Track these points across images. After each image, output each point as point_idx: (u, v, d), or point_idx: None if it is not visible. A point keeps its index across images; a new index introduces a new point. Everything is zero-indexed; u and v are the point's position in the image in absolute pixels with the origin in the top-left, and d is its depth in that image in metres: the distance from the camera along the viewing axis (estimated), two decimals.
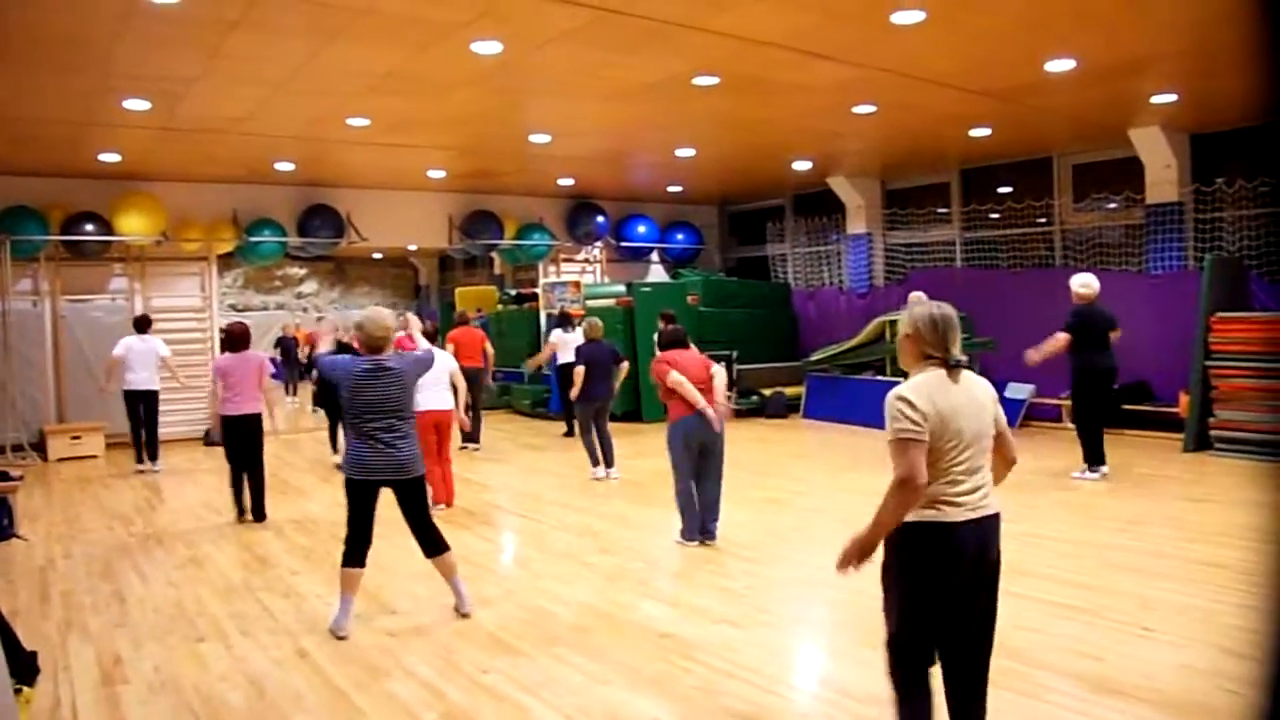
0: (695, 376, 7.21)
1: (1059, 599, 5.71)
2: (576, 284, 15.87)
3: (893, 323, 14.28)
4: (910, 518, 3.24)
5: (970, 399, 3.32)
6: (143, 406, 11.33)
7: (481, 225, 16.27)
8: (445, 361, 8.54)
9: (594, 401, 10.10)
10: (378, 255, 25.95)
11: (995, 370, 13.16)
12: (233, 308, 24.68)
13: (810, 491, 9.14)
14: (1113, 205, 13.26)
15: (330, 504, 9.18)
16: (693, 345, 10.94)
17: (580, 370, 9.99)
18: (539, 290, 16.60)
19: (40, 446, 12.69)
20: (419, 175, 14.46)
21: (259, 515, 8.59)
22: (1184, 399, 10.96)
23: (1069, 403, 12.33)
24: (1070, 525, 7.55)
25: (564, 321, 13.26)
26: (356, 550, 5.49)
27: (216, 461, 11.44)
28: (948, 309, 3.38)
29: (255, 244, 14.33)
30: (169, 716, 4.40)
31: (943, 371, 3.30)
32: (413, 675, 4.81)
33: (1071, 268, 13.40)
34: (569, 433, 13.28)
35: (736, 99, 9.88)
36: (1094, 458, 9.31)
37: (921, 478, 3.15)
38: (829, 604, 5.87)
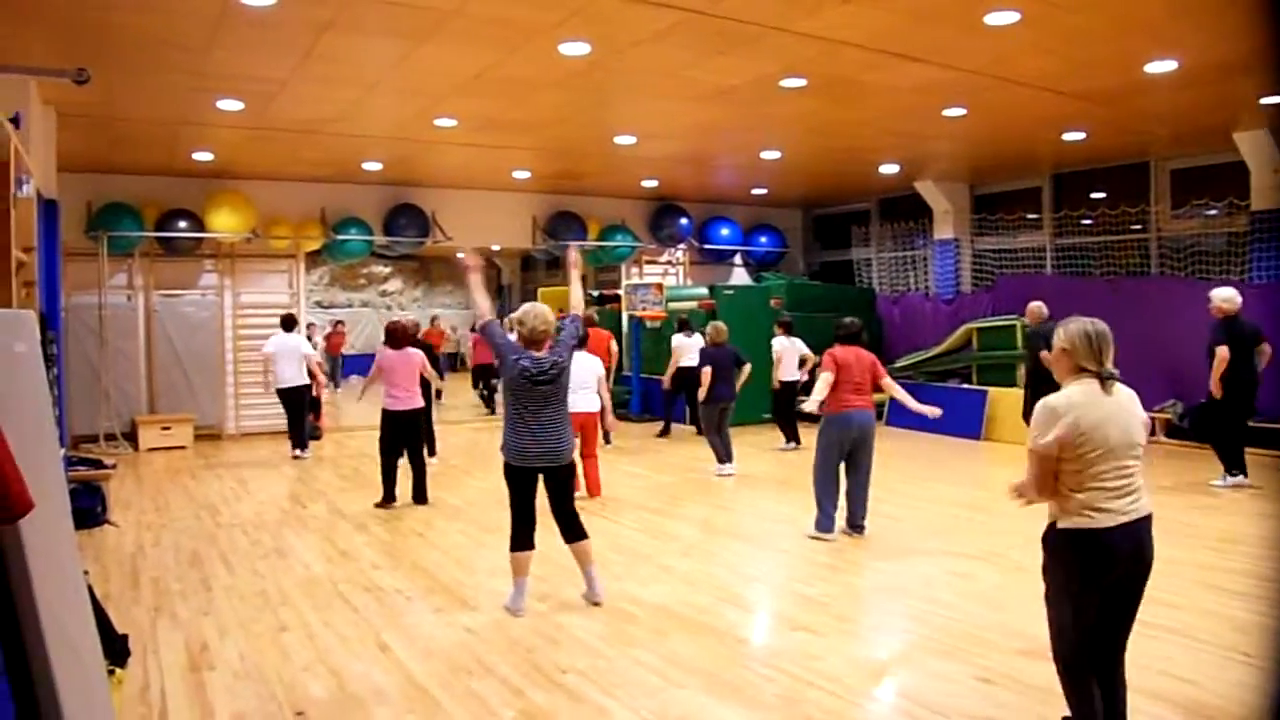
0: (859, 373, 7.46)
1: (1148, 618, 5.44)
2: (659, 286, 15.84)
3: (980, 330, 14.04)
4: (1064, 524, 3.55)
5: (1120, 409, 3.55)
6: (290, 401, 11.86)
7: (564, 226, 16.35)
8: (593, 366, 8.95)
9: (719, 403, 10.47)
10: (461, 255, 26.25)
11: None
12: (319, 304, 25.21)
13: (890, 499, 8.99)
14: (1213, 212, 12.81)
15: (406, 498, 9.29)
16: (794, 339, 11.44)
17: (707, 372, 10.41)
18: (621, 292, 16.62)
19: (132, 436, 13.09)
20: (504, 175, 14.59)
21: (422, 499, 9.10)
22: None
23: (1165, 415, 12.03)
24: (1160, 543, 7.21)
25: (683, 327, 13.32)
26: (521, 534, 5.74)
27: (278, 447, 11.74)
28: (1101, 324, 3.63)
29: (342, 242, 14.60)
30: (253, 703, 4.49)
31: (1095, 384, 3.54)
32: (492, 673, 4.84)
33: (1168, 277, 13.03)
34: (663, 433, 13.75)
35: (823, 101, 9.77)
36: (1237, 464, 9.52)
37: (1048, 488, 3.56)
38: (909, 615, 5.77)
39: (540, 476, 5.75)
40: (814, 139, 12.14)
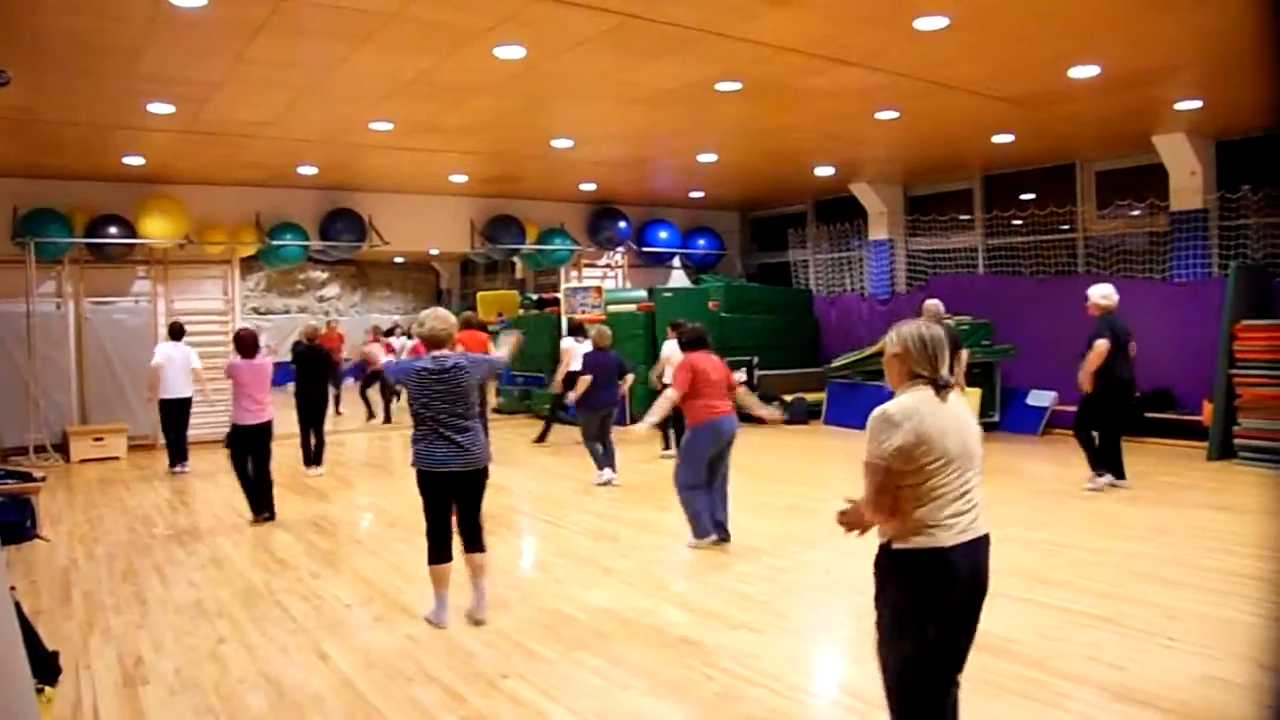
0: (718, 380, 7.27)
1: (1081, 607, 5.69)
2: (598, 289, 15.88)
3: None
4: (902, 544, 3.23)
5: (957, 419, 3.29)
6: (175, 413, 11.52)
7: (503, 229, 16.31)
8: None
9: (599, 410, 10.17)
10: (399, 259, 26.07)
11: (1017, 377, 13.13)
12: (255, 310, 24.85)
13: (830, 498, 8.98)
14: (1136, 212, 13.16)
15: (349, 506, 9.24)
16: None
17: (585, 379, 10.12)
18: (560, 295, 16.63)
19: (63, 448, 12.80)
20: (441, 179, 14.52)
21: (265, 511, 8.70)
22: (1208, 407, 10.89)
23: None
24: (1092, 534, 7.51)
25: (576, 331, 13.22)
26: (439, 546, 5.61)
27: (221, 459, 11.56)
28: (936, 328, 3.38)
29: (278, 247, 14.42)
30: (190, 717, 4.44)
31: (930, 391, 3.28)
32: (434, 679, 4.83)
33: (1094, 275, 13.32)
34: (540, 438, 13.62)
35: (759, 104, 9.88)
36: (1115, 470, 9.23)
37: (886, 502, 3.23)
38: (848, 610, 5.86)
39: (453, 483, 5.58)
40: (750, 142, 12.26)
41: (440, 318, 5.68)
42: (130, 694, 4.71)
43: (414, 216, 15.83)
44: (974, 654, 4.83)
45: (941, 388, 3.29)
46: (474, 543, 5.73)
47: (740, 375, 14.07)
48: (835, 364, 14.99)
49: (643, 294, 15.64)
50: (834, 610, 5.93)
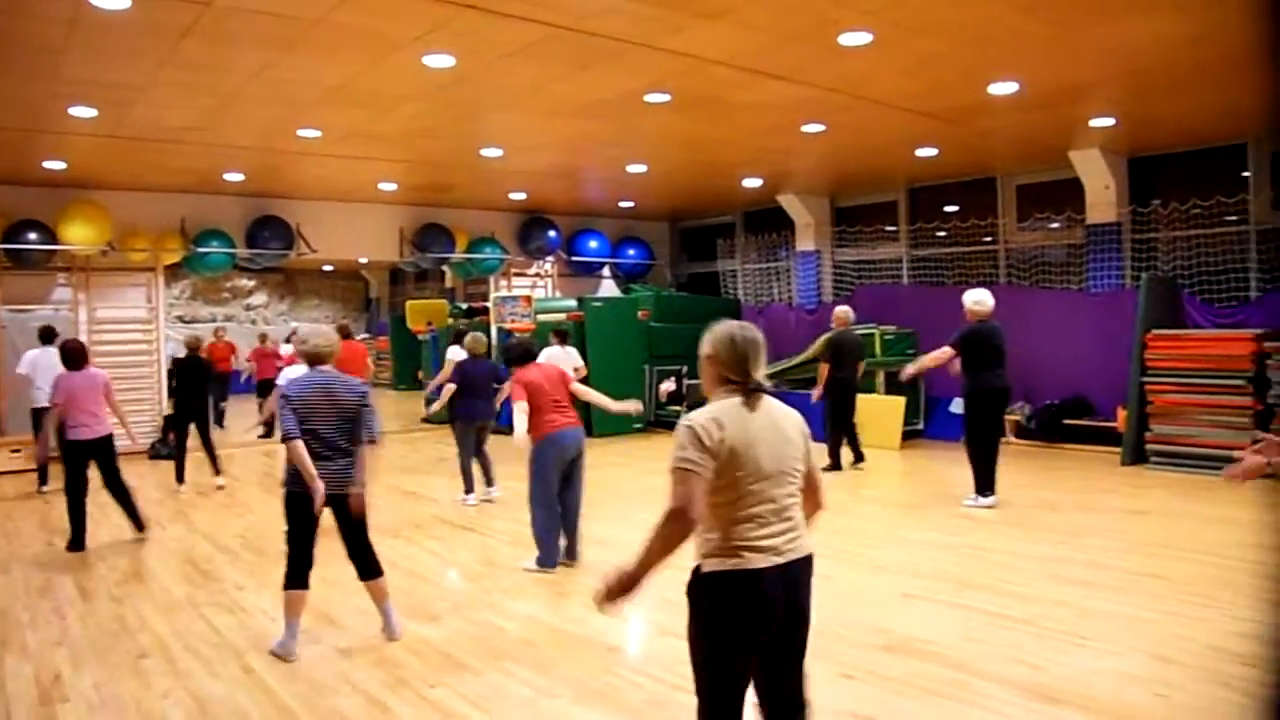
0: (553, 392, 6.96)
1: (1001, 610, 5.83)
2: (528, 298, 15.87)
3: (828, 338, 14.46)
4: (710, 567, 2.97)
5: (773, 429, 3.05)
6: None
7: (433, 238, 16.24)
8: None
9: (474, 422, 9.58)
10: (328, 268, 25.78)
11: (940, 386, 13.38)
12: (180, 319, 24.36)
13: None
14: (1055, 225, 13.55)
15: (276, 518, 9.11)
16: (569, 349, 10.50)
17: (449, 389, 9.50)
18: (490, 304, 16.58)
19: None
20: (370, 187, 14.42)
21: (138, 525, 8.41)
22: (1122, 414, 11.22)
23: (1014, 417, 12.64)
24: (1012, 538, 7.69)
25: (460, 338, 12.60)
26: (299, 570, 5.33)
27: (161, 475, 11.33)
28: (751, 329, 3.15)
29: (203, 255, 14.19)
30: None
31: (740, 398, 3.03)
32: (360, 691, 4.79)
33: (1015, 286, 13.69)
34: None
35: (687, 116, 9.98)
36: (985, 484, 8.88)
37: (695, 510, 2.86)
38: None
39: (329, 507, 5.34)
40: (679, 153, 12.37)
41: (322, 334, 5.51)
42: (48, 712, 4.61)
43: (343, 224, 15.69)
44: (899, 658, 5.00)
45: (752, 393, 3.04)
46: (368, 569, 5.53)
47: (669, 385, 14.28)
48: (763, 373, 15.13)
49: (572, 303, 15.66)
50: None
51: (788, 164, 13.45)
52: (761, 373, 3.09)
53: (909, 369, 9.22)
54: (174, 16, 6.61)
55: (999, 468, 8.96)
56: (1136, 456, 10.91)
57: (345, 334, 11.60)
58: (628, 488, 10.45)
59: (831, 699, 4.52)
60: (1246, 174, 11.75)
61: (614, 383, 13.10)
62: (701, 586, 3.01)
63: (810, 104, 9.48)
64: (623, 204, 17.29)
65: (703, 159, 12.81)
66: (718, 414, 2.98)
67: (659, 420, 15.10)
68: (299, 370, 5.96)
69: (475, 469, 9.69)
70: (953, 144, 11.76)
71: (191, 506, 9.86)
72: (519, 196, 15.86)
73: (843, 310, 11.25)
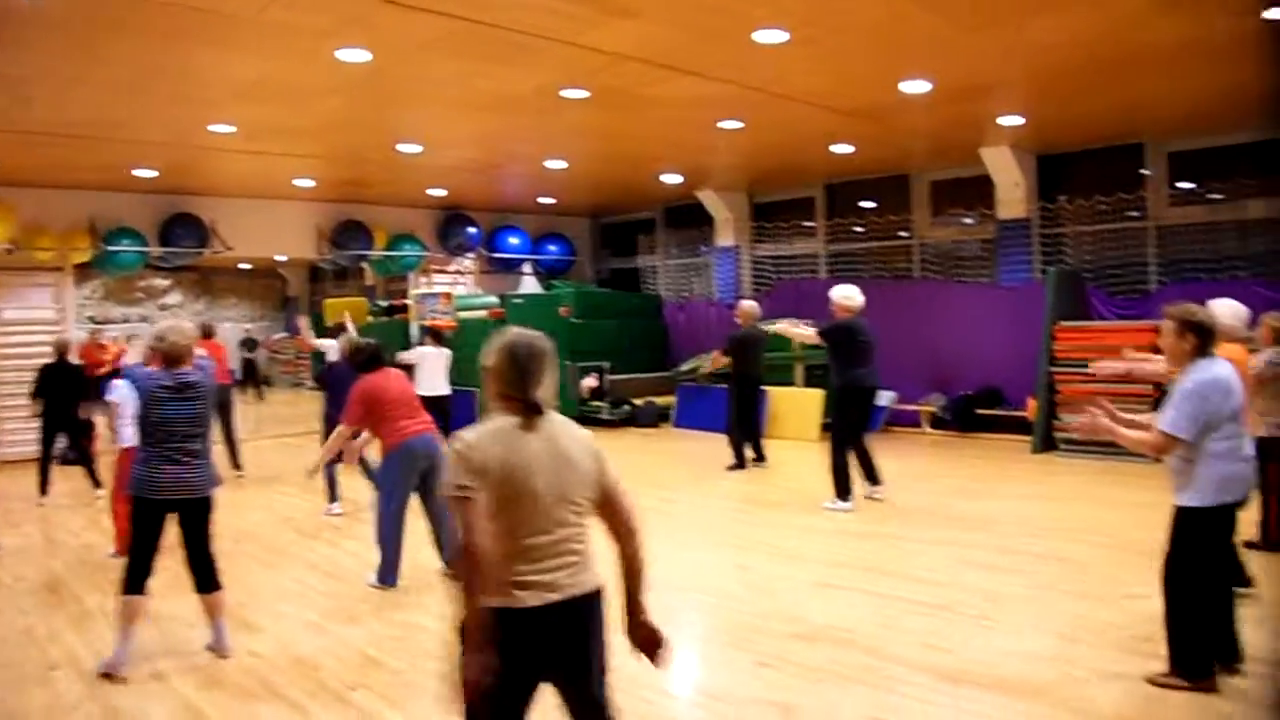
0: (403, 401, 6.61)
1: (915, 596, 5.97)
2: (448, 295, 15.76)
3: (731, 334, 14.61)
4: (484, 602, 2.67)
5: (552, 450, 2.77)
6: None
7: (351, 236, 16.04)
8: None
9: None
10: (245, 266, 25.27)
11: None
12: (91, 320, 23.65)
13: (677, 499, 9.28)
14: (968, 220, 13.87)
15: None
16: (442, 350, 9.99)
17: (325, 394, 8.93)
18: (410, 302, 16.43)
19: None
20: (286, 184, 14.19)
21: None
22: (1032, 403, 11.54)
23: (929, 408, 12.92)
24: (926, 526, 7.87)
25: (340, 333, 12.04)
26: (138, 577, 5.05)
27: (73, 483, 11.01)
28: (537, 339, 2.90)
29: (113, 254, 13.83)
30: None
31: (516, 418, 2.77)
32: (279, 696, 4.72)
33: (929, 280, 13.98)
34: None
35: (605, 112, 10.00)
36: (870, 477, 8.80)
37: (480, 540, 2.63)
38: (693, 607, 6.01)
39: (175, 513, 5.13)
40: (598, 149, 12.39)
41: (180, 331, 5.19)
42: None
43: (259, 222, 15.39)
44: (815, 645, 5.10)
45: (531, 412, 2.78)
46: (208, 582, 5.27)
47: (592, 381, 14.29)
48: (684, 367, 15.26)
49: (494, 300, 15.60)
50: (682, 609, 6.01)
51: (706, 160, 13.55)
52: (545, 389, 2.82)
53: (791, 332, 9.27)
54: (82, 9, 6.44)
55: (899, 456, 9.11)
56: (1046, 444, 11.24)
57: (207, 333, 11.26)
58: None
59: (749, 688, 4.60)
60: (1146, 172, 12.16)
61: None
62: (469, 624, 2.70)
63: (727, 101, 9.57)
64: (543, 200, 17.25)
65: (622, 155, 12.84)
66: (490, 434, 2.74)
67: (582, 417, 15.10)
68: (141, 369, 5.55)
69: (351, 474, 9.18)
70: (868, 141, 11.95)
71: (104, 513, 9.60)
72: (438, 193, 15.74)
73: (747, 305, 11.22)
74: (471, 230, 17.34)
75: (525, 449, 2.72)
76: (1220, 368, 4.32)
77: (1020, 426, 11.87)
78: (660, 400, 15.27)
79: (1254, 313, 6.65)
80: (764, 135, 11.48)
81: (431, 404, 10.53)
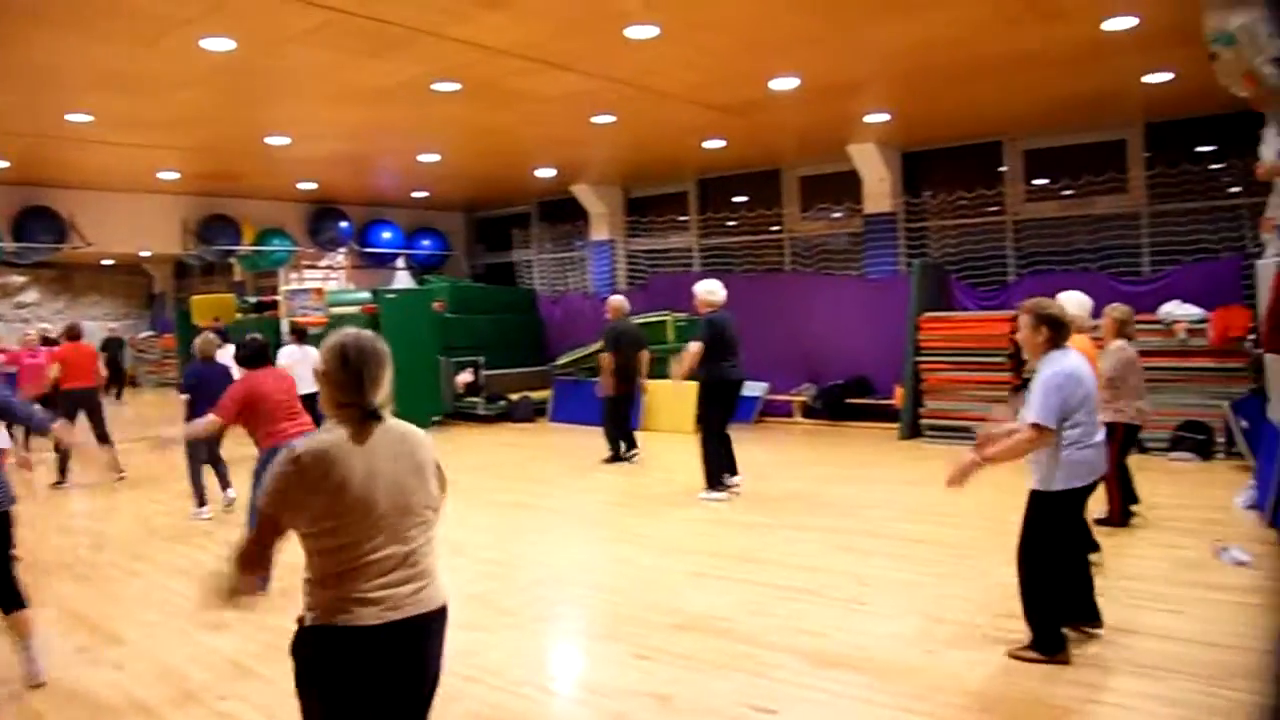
0: (284, 402, 6.45)
1: (786, 582, 6.10)
2: (319, 291, 15.40)
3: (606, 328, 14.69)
4: (313, 620, 2.59)
5: (390, 460, 2.64)
6: None
7: (218, 230, 15.60)
8: None
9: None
10: (107, 261, 24.21)
11: None
12: None
13: (553, 494, 9.28)
14: (836, 214, 14.20)
15: (57, 530, 8.56)
16: (306, 348, 9.54)
17: (184, 399, 8.48)
18: (280, 298, 16.01)
19: None
20: (149, 176, 13.68)
21: None
22: (899, 392, 11.91)
23: (801, 398, 13.20)
24: (797, 513, 8.05)
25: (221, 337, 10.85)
26: (9, 592, 4.81)
27: None
28: (370, 339, 2.71)
29: None
30: None
31: (350, 428, 2.62)
32: (145, 710, 4.55)
33: (800, 273, 14.28)
34: None
35: (478, 106, 9.93)
36: (729, 470, 8.86)
37: (261, 550, 2.65)
38: (573, 602, 6.03)
39: None
40: (471, 143, 12.29)
41: None
42: None
43: (121, 216, 14.85)
44: (692, 635, 5.17)
45: (367, 419, 2.63)
46: (12, 599, 4.85)
47: (467, 376, 14.16)
48: (559, 362, 15.26)
49: (366, 296, 15.31)
50: (558, 604, 6.06)
51: (580, 154, 13.57)
52: (382, 394, 2.66)
53: (678, 373, 9.00)
54: None
55: (771, 445, 9.33)
56: (913, 431, 11.62)
57: (73, 335, 10.82)
58: None
59: (628, 680, 4.64)
60: (1003, 168, 12.67)
61: (410, 375, 12.93)
62: (305, 643, 2.62)
63: (600, 95, 9.60)
64: (416, 194, 17.03)
65: (496, 149, 12.77)
66: (324, 445, 2.57)
67: (458, 412, 14.96)
68: None
69: (210, 477, 8.98)
70: (739, 136, 12.14)
71: None
72: (308, 186, 15.40)
73: (617, 300, 11.24)
74: (343, 224, 17.02)
75: (363, 460, 2.57)
76: (1071, 359, 4.58)
77: (888, 414, 12.24)
78: (536, 395, 15.23)
79: (1100, 303, 7.07)
80: (637, 130, 11.56)
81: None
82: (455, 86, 9.04)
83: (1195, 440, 9.65)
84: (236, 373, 6.92)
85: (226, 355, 8.94)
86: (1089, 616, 4.85)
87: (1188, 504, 7.71)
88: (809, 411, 13.28)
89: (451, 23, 7.15)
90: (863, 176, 13.25)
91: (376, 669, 2.56)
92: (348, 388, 2.62)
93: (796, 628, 5.26)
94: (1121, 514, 6.98)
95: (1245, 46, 5.67)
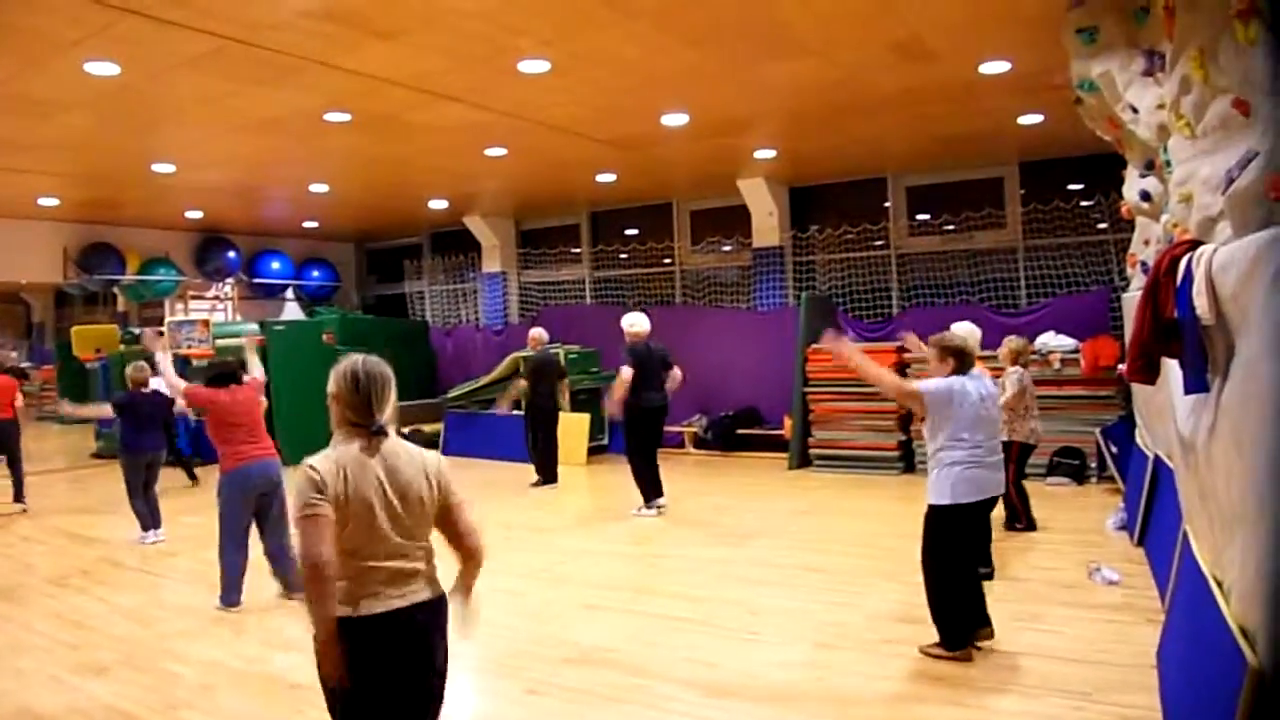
0: (244, 416, 6.58)
1: (677, 613, 6.15)
2: (206, 322, 15.00)
3: (526, 358, 14.71)
4: (339, 613, 2.86)
5: (394, 475, 2.95)
6: None
7: (101, 259, 15.12)
8: None
9: (143, 455, 8.84)
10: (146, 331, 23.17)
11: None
12: None
13: None
14: (726, 248, 14.45)
15: None
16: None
17: (117, 422, 8.69)
18: (165, 329, 15.54)
19: None
20: (28, 202, 13.20)
21: None
22: (788, 422, 12.12)
23: (692, 429, 13.33)
24: (688, 544, 8.12)
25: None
26: None
27: None
28: (375, 364, 3.03)
29: None
30: None
31: (362, 442, 2.94)
32: None
33: (690, 305, 14.46)
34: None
35: (369, 137, 9.87)
36: (654, 492, 9.38)
37: (326, 557, 2.78)
38: (480, 636, 5.97)
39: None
40: (363, 173, 12.19)
41: None
42: None
43: None
44: (583, 669, 5.18)
45: (375, 436, 2.95)
46: None
47: None
48: (452, 394, 15.13)
49: (254, 327, 14.96)
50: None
51: (472, 186, 13.56)
52: (387, 413, 2.99)
53: (612, 408, 9.43)
54: None
55: (663, 476, 9.54)
56: (802, 460, 11.83)
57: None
58: None
59: (519, 716, 4.63)
60: (888, 204, 13.08)
61: (300, 408, 12.67)
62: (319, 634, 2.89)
63: (491, 128, 9.62)
64: (307, 224, 16.77)
65: (387, 180, 12.67)
66: (337, 459, 2.89)
67: None
68: None
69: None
70: (631, 170, 12.29)
71: None
72: (195, 215, 15.04)
73: (537, 332, 11.60)
74: (231, 254, 16.64)
75: (372, 473, 2.89)
76: (967, 383, 5.17)
77: (778, 444, 12.44)
78: (428, 427, 15.06)
79: (985, 333, 7.43)
80: (529, 163, 11.61)
81: None
82: (345, 117, 8.98)
83: (1070, 465, 10.04)
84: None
85: (158, 382, 8.73)
86: (980, 622, 5.19)
87: (1063, 526, 8.02)
88: (700, 442, 13.42)
89: (341, 53, 7.11)
90: (752, 211, 13.53)
91: (385, 653, 2.90)
92: (359, 408, 2.95)
93: (687, 658, 5.30)
94: (1028, 519, 7.84)
95: (1106, 93, 5.99)
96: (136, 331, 16.23)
